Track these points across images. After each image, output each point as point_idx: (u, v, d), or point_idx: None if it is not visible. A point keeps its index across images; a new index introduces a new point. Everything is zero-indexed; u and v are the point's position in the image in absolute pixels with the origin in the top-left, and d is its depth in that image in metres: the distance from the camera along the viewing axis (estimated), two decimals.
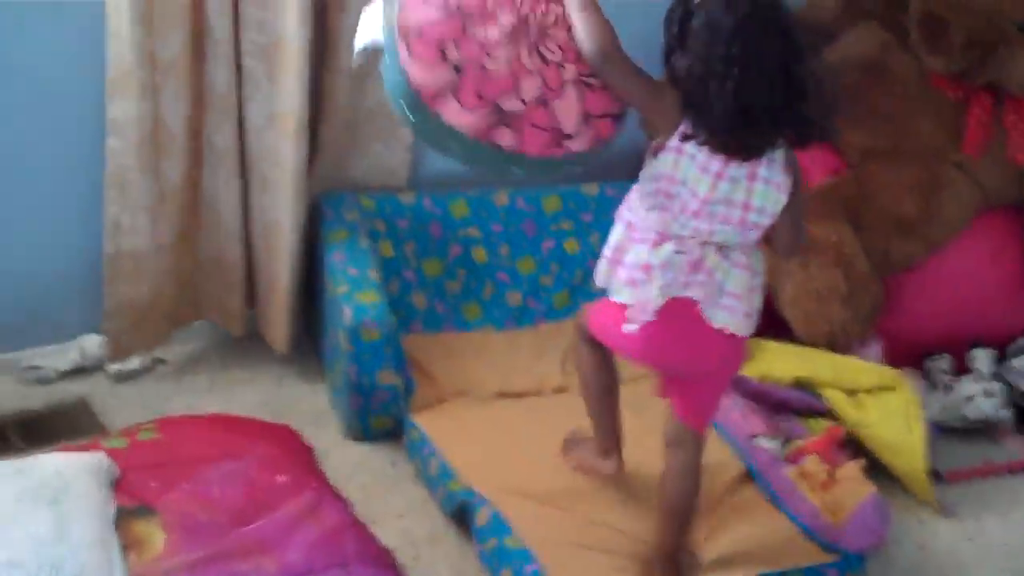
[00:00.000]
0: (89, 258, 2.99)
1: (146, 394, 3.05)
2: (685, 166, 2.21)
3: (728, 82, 2.12)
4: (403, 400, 2.92)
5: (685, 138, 2.20)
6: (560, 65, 2.18)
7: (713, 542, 2.63)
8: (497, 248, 3.33)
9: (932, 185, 3.26)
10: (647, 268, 2.28)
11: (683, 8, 2.19)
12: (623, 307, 2.33)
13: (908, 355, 3.30)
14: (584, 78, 2.19)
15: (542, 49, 2.18)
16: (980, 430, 3.27)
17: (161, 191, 2.94)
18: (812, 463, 2.83)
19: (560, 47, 2.20)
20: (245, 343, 3.22)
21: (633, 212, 2.32)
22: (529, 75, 2.15)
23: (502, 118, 2.12)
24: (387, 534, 2.56)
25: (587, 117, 2.19)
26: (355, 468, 2.86)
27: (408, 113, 2.15)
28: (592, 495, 2.69)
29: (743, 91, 2.13)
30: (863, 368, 3.11)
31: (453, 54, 2.11)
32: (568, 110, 2.16)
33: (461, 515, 2.69)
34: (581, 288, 3.37)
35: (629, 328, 2.31)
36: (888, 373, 3.09)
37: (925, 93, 3.31)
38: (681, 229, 2.26)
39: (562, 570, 2.44)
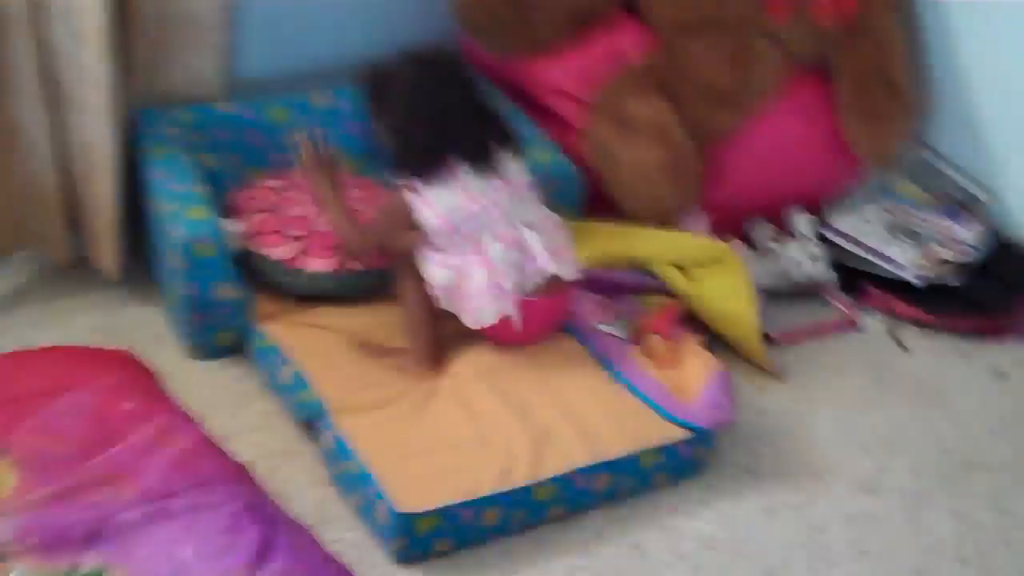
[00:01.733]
0: None
1: None
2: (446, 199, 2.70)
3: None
4: (245, 312, 2.89)
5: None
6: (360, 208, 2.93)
7: (572, 423, 2.68)
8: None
9: (742, 53, 3.33)
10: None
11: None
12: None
13: (732, 224, 3.38)
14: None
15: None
16: (806, 292, 3.38)
17: None
18: (654, 342, 2.89)
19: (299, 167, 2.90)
20: (72, 271, 3.13)
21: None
22: None
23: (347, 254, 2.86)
24: (242, 449, 2.54)
25: None
26: (201, 387, 2.82)
27: (286, 277, 2.90)
28: (428, 401, 2.71)
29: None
30: (692, 242, 3.18)
31: (290, 232, 2.92)
32: None
33: (310, 427, 2.70)
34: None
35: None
36: (716, 244, 3.16)
37: None
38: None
39: (404, 486, 2.45)
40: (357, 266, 2.92)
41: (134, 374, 2.59)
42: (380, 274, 2.95)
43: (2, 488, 2.20)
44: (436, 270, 2.73)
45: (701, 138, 3.26)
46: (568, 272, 2.81)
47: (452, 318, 2.78)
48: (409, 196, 2.71)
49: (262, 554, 2.15)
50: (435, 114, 2.69)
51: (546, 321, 2.86)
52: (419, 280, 2.77)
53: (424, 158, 2.70)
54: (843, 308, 3.36)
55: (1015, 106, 3.48)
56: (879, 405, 3.08)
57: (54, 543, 2.10)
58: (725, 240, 3.22)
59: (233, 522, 2.20)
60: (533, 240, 2.76)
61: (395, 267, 2.85)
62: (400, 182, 2.74)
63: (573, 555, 2.56)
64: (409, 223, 2.71)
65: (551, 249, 2.78)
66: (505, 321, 2.74)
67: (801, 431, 2.96)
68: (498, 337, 2.81)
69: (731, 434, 2.88)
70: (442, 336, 2.84)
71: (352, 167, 3.29)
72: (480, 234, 2.71)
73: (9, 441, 2.29)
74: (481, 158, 2.72)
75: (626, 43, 3.37)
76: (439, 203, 2.69)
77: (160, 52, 3.08)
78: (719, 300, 3.06)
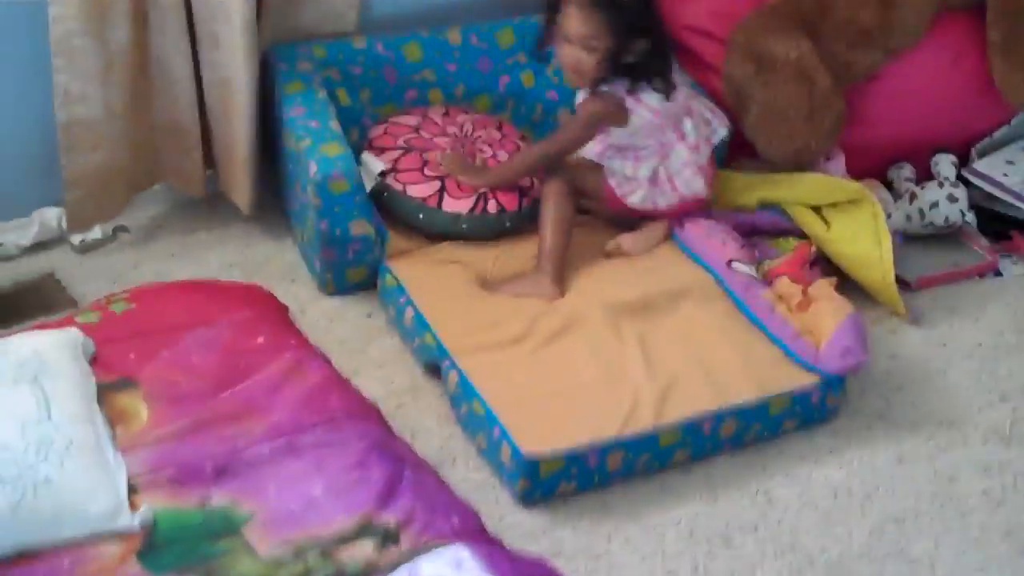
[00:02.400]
0: (42, 129, 2.93)
1: (112, 263, 3.02)
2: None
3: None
4: (377, 249, 2.91)
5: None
6: (494, 155, 3.06)
7: (701, 366, 2.66)
8: (452, 89, 3.28)
9: None
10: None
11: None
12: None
13: (872, 166, 3.31)
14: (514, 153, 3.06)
15: (480, 147, 3.08)
16: (946, 236, 3.29)
17: (109, 56, 2.86)
18: (785, 284, 2.85)
19: (488, 143, 3.10)
20: (207, 204, 3.19)
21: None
22: (487, 162, 3.03)
23: (483, 196, 2.96)
24: (369, 386, 2.57)
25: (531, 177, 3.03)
26: (331, 322, 2.87)
27: (422, 216, 2.95)
28: (553, 341, 2.70)
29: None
30: (827, 183, 3.12)
31: (429, 172, 2.97)
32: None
33: (436, 368, 2.71)
34: (540, 124, 3.33)
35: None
36: (851, 186, 3.09)
37: None
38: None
39: (528, 428, 2.47)
40: (494, 207, 2.94)
41: (266, 309, 2.62)
42: (516, 215, 2.98)
43: (135, 421, 2.25)
44: (638, 165, 2.96)
45: (843, 78, 3.18)
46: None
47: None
48: (618, 100, 2.90)
49: (389, 491, 2.17)
50: (656, 23, 2.95)
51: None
52: (569, 195, 2.94)
53: (645, 63, 2.90)
54: (983, 252, 3.27)
55: None
56: (1018, 352, 3.00)
57: (185, 477, 2.14)
58: (864, 182, 3.16)
59: (361, 459, 2.23)
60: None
61: (551, 180, 2.97)
62: (605, 88, 2.91)
63: (698, 501, 2.55)
64: (612, 124, 2.93)
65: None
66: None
67: (935, 378, 2.90)
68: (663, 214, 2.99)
69: (862, 380, 2.83)
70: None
71: (485, 105, 3.30)
72: (678, 121, 2.98)
73: (142, 374, 2.34)
74: (668, 72, 2.96)
75: None
76: (651, 101, 2.90)
77: None
78: (852, 242, 3.01)
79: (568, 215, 2.94)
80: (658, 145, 2.97)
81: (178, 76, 2.98)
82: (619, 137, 2.97)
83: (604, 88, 2.92)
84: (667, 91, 2.93)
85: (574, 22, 2.87)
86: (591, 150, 3.03)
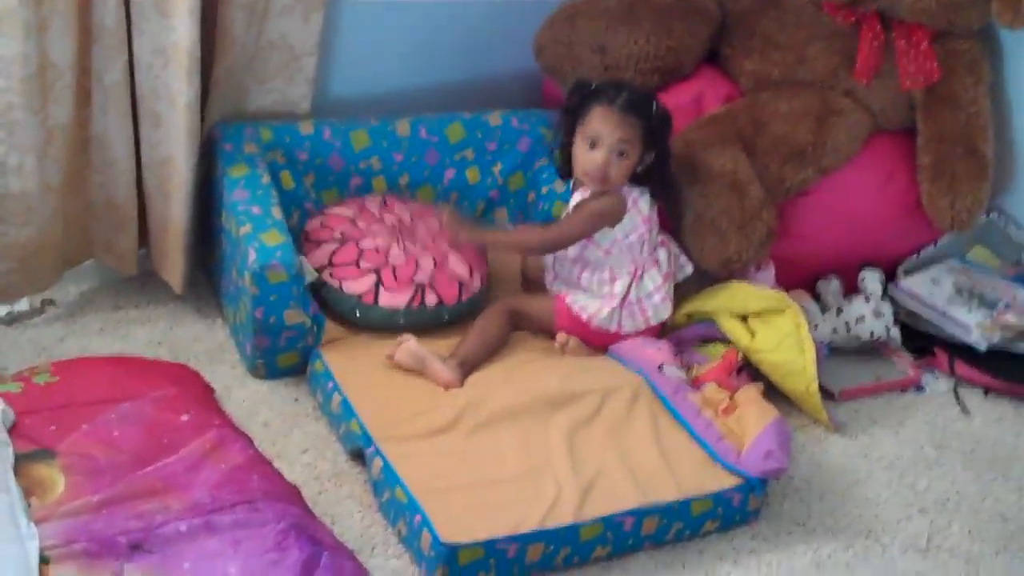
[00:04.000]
0: None
1: (38, 337, 2.99)
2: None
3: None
4: (311, 336, 2.91)
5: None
6: (433, 243, 3.07)
7: (626, 463, 2.67)
8: (397, 178, 3.31)
9: (824, 112, 3.30)
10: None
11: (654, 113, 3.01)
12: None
13: (800, 277, 3.35)
14: (452, 248, 3.06)
15: (416, 239, 3.08)
16: (871, 350, 3.34)
17: (49, 132, 2.85)
18: (712, 389, 2.88)
19: (426, 234, 3.10)
20: (138, 282, 3.17)
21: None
22: (421, 255, 3.03)
23: (421, 288, 2.94)
24: (292, 470, 2.56)
25: (472, 267, 3.07)
26: (258, 404, 2.85)
27: (358, 313, 2.95)
28: (480, 432, 2.70)
29: None
30: (753, 292, 3.15)
31: (365, 265, 2.96)
32: (458, 267, 3.05)
33: (360, 455, 2.70)
34: (481, 220, 3.37)
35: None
36: (777, 296, 3.13)
37: (816, 20, 3.36)
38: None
39: (449, 517, 2.46)
40: (433, 300, 2.96)
41: (191, 388, 2.62)
42: (454, 309, 3.00)
43: (51, 492, 2.22)
44: (615, 282, 3.03)
45: (776, 192, 3.24)
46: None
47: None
48: (623, 201, 3.01)
49: (306, 574, 2.15)
50: (668, 137, 3.08)
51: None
52: (507, 316, 3.01)
53: (658, 171, 3.04)
54: (906, 366, 3.32)
55: None
56: (938, 466, 3.03)
57: (99, 550, 2.11)
58: (792, 294, 3.20)
59: (279, 540, 2.21)
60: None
61: (494, 303, 3.04)
62: (622, 190, 3.02)
63: None
64: (610, 224, 3.01)
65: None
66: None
67: (856, 487, 2.92)
68: (596, 341, 3.03)
69: (784, 485, 2.85)
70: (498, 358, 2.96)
71: (428, 197, 3.33)
72: (655, 245, 3.09)
73: (61, 446, 2.32)
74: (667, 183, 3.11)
75: (706, 92, 3.37)
76: (646, 211, 3.03)
77: (249, 74, 3.13)
78: (776, 352, 3.04)
79: (498, 331, 2.98)
80: (633, 265, 3.03)
81: (118, 154, 2.98)
82: (601, 243, 3.02)
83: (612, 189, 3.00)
84: (660, 201, 3.08)
85: (611, 126, 2.95)
86: (555, 274, 3.10)
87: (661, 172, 3.06)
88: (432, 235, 3.11)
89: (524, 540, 2.46)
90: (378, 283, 2.95)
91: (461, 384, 2.82)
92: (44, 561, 2.06)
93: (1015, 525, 2.88)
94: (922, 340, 3.39)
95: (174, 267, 3.07)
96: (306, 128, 3.21)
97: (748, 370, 3.03)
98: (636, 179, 3.03)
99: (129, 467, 2.32)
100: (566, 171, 3.10)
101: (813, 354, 3.03)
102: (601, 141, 2.95)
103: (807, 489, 2.88)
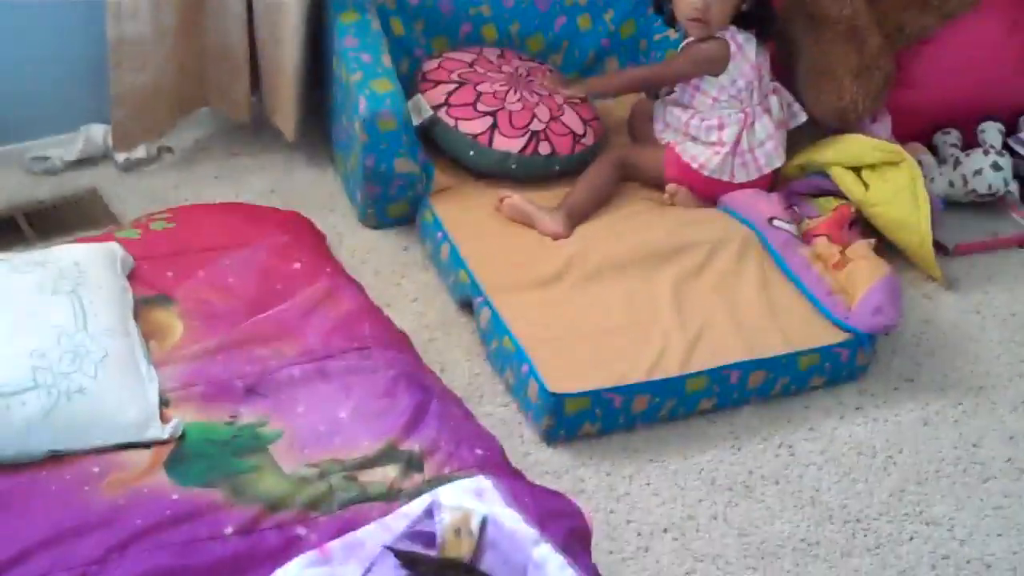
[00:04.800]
0: (92, 46, 2.95)
1: (154, 183, 3.05)
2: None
3: None
4: (420, 185, 2.92)
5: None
6: (551, 95, 3.04)
7: (733, 317, 2.67)
8: (507, 26, 3.27)
9: None
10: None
11: None
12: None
13: (918, 130, 3.29)
14: (568, 102, 3.05)
15: (534, 89, 3.05)
16: (988, 204, 3.27)
17: None
18: (823, 244, 2.85)
19: (543, 86, 3.07)
20: (251, 129, 3.21)
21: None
22: (537, 105, 2.99)
23: (535, 135, 2.92)
24: (402, 318, 2.59)
25: (586, 122, 3.03)
26: (368, 253, 2.89)
27: (472, 152, 2.92)
28: (588, 283, 2.71)
29: None
30: (868, 144, 3.10)
31: (482, 107, 2.95)
32: (573, 120, 3.02)
33: (468, 304, 2.73)
34: (591, 69, 3.33)
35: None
36: (892, 148, 3.08)
37: None
38: None
39: (556, 367, 2.48)
40: (546, 149, 2.94)
41: (303, 235, 2.64)
42: (566, 160, 2.98)
43: (169, 337, 2.27)
44: (723, 130, 2.97)
45: (895, 39, 3.16)
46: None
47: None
48: (726, 46, 2.96)
49: (415, 420, 2.18)
50: None
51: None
52: (617, 167, 2.98)
53: (760, 15, 3.00)
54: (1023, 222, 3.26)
55: None
56: None
57: (216, 393, 2.17)
58: (909, 146, 3.14)
59: (389, 387, 2.24)
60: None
61: (606, 152, 3.04)
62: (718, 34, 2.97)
63: (721, 448, 2.57)
64: (715, 70, 2.97)
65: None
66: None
67: (966, 344, 2.89)
68: (707, 190, 3.00)
69: (893, 341, 2.83)
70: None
71: (539, 45, 3.30)
72: (766, 92, 3.03)
73: (179, 292, 2.36)
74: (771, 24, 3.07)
75: None
76: (752, 56, 2.98)
77: None
78: (891, 205, 2.99)
79: (607, 182, 2.96)
80: (742, 113, 2.97)
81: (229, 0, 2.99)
82: (709, 90, 2.97)
83: (717, 34, 2.96)
84: (769, 45, 3.03)
85: None
86: (665, 123, 3.06)
87: (766, 13, 3.00)
88: (550, 86, 3.08)
89: (630, 391, 2.49)
90: (494, 125, 2.94)
91: (569, 235, 2.82)
92: (164, 403, 2.12)
93: None
94: None
95: (286, 114, 3.09)
96: None
97: (860, 224, 2.99)
98: (742, 23, 2.97)
99: (244, 313, 2.36)
100: (672, 19, 3.05)
101: (928, 208, 2.98)
102: None
103: (917, 345, 2.86)
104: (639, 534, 2.38)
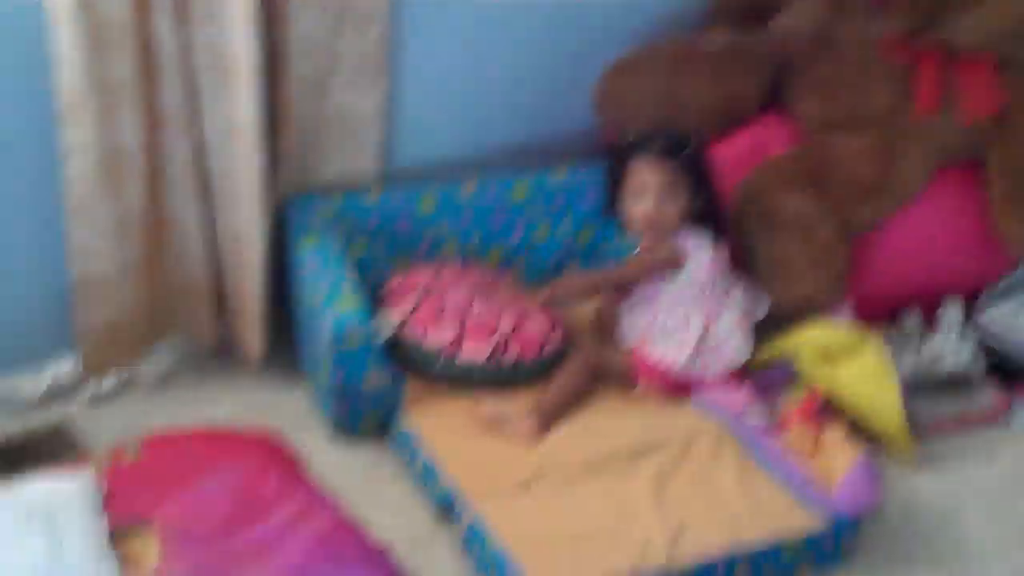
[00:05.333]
0: (56, 283, 2.97)
1: (124, 414, 3.03)
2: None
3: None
4: (392, 397, 2.92)
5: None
6: (512, 301, 3.06)
7: (714, 509, 2.65)
8: (467, 239, 3.33)
9: (889, 149, 3.29)
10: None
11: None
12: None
13: (879, 314, 3.33)
14: (531, 309, 3.08)
15: (497, 298, 3.07)
16: (954, 384, 3.30)
17: (123, 214, 2.91)
18: (797, 431, 2.85)
19: (505, 293, 3.11)
20: (219, 354, 3.21)
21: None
22: (501, 313, 3.01)
23: (501, 343, 2.95)
24: (382, 532, 2.54)
25: (550, 327, 3.06)
26: (343, 468, 2.86)
27: (439, 363, 2.94)
28: (566, 483, 2.70)
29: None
30: (832, 332, 3.13)
31: (446, 319, 2.97)
32: (537, 326, 3.04)
33: (448, 515, 2.70)
34: (552, 275, 3.37)
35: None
36: (856, 334, 3.11)
37: (873, 58, 3.34)
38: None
39: (540, 569, 2.46)
40: (511, 356, 2.96)
41: (276, 455, 2.63)
42: (534, 364, 3.00)
43: (147, 561, 2.24)
44: (687, 324, 3.01)
45: (847, 231, 3.23)
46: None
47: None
48: (682, 247, 3.02)
49: None
50: (711, 176, 3.09)
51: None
52: (590, 370, 2.99)
53: (710, 214, 3.05)
54: (992, 399, 3.27)
55: None
56: None
57: None
58: (870, 330, 3.18)
59: None
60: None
61: (577, 353, 3.03)
62: (678, 235, 3.03)
63: None
64: (670, 271, 3.02)
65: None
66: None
67: (950, 520, 2.88)
68: (677, 388, 3.00)
69: (876, 525, 2.81)
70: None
71: (498, 258, 3.35)
72: (724, 288, 3.06)
73: (156, 515, 2.34)
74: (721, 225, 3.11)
75: (771, 137, 3.37)
76: (706, 255, 3.01)
77: (313, 147, 3.17)
78: (860, 391, 3.01)
79: (579, 384, 2.97)
80: (703, 311, 3.02)
81: (191, 233, 3.03)
82: (670, 288, 3.03)
83: (671, 236, 3.03)
84: (719, 244, 3.07)
85: (651, 174, 2.98)
86: (630, 325, 3.10)
87: (714, 212, 3.07)
88: (511, 294, 3.12)
89: None
90: (460, 336, 2.96)
91: (544, 438, 2.82)
92: None
93: None
94: (1007, 371, 3.34)
95: (253, 338, 3.10)
96: (373, 196, 3.24)
97: (832, 410, 3.00)
98: (692, 223, 3.04)
99: (220, 536, 2.33)
100: (625, 226, 3.12)
101: (897, 391, 3.00)
102: (646, 190, 2.98)
103: (899, 527, 2.84)
104: None
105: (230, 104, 2.89)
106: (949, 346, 3.27)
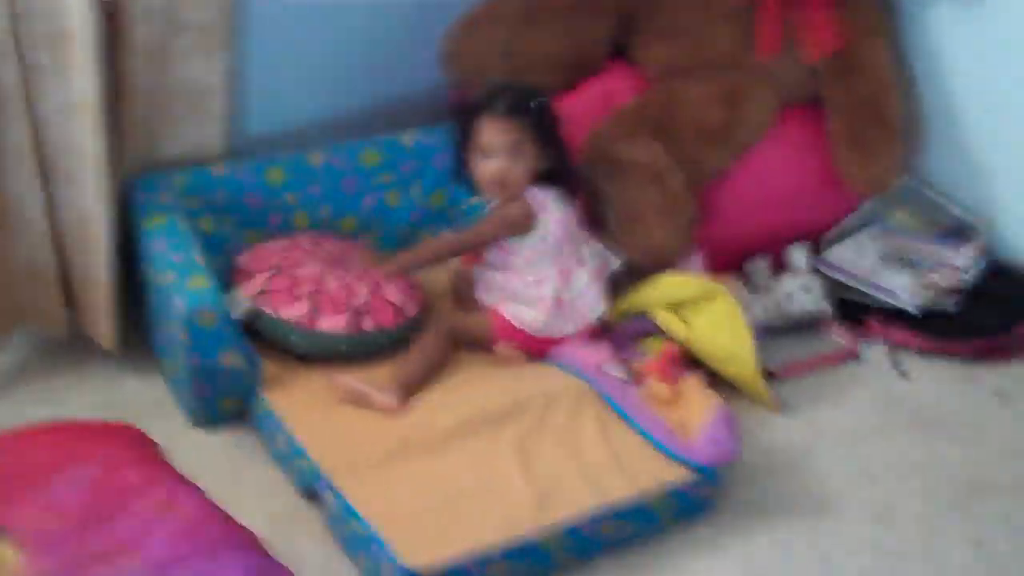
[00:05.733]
0: None
1: None
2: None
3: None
4: (249, 377, 2.89)
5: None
6: (366, 272, 3.03)
7: (578, 468, 2.68)
8: (317, 211, 3.29)
9: (733, 93, 3.34)
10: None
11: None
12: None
13: (729, 261, 3.38)
14: (386, 277, 3.05)
15: (351, 268, 3.04)
16: (805, 326, 3.37)
17: None
18: (655, 383, 2.89)
19: (358, 264, 3.07)
20: (69, 345, 3.14)
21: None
22: (356, 283, 2.98)
23: (358, 313, 2.91)
24: (247, 516, 2.52)
25: (407, 294, 3.04)
26: (204, 454, 2.83)
27: (295, 338, 2.92)
28: (430, 453, 2.70)
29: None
30: (683, 282, 3.17)
31: (300, 292, 2.93)
32: (393, 294, 3.01)
33: (313, 493, 2.69)
34: (407, 241, 3.36)
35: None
36: (707, 283, 3.15)
37: (714, 2, 3.38)
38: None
39: (409, 543, 2.45)
40: (370, 324, 2.94)
41: (135, 445, 2.58)
42: (390, 333, 2.98)
43: (7, 567, 2.19)
44: (541, 286, 3.02)
45: (695, 178, 3.27)
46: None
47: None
48: (531, 205, 3.01)
49: None
50: (560, 133, 3.07)
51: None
52: (446, 339, 2.98)
53: (560, 171, 3.05)
54: (842, 340, 3.35)
55: (1006, 131, 3.49)
56: (884, 434, 3.06)
57: None
58: (721, 278, 3.23)
59: None
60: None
61: (435, 323, 3.03)
62: (527, 192, 3.03)
63: None
64: (522, 231, 3.02)
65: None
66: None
67: (807, 464, 2.95)
68: (537, 348, 3.02)
69: (737, 471, 2.87)
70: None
71: (351, 227, 3.32)
72: (578, 245, 3.06)
73: (11, 519, 2.28)
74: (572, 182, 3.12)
75: (619, 87, 3.39)
76: (558, 212, 3.00)
77: (158, 121, 3.10)
78: (713, 340, 3.06)
79: (438, 351, 2.97)
80: (558, 269, 3.03)
81: (32, 216, 2.95)
82: (520, 249, 3.03)
83: (520, 195, 3.02)
84: (571, 201, 3.07)
85: (498, 133, 2.96)
86: (486, 286, 3.10)
87: (564, 169, 3.07)
88: (366, 263, 3.10)
89: (486, 558, 2.46)
90: (315, 308, 2.93)
91: (405, 408, 2.81)
92: None
93: (967, 483, 2.92)
94: (855, 310, 3.43)
95: (103, 325, 3.03)
96: (219, 170, 3.18)
97: (688, 360, 3.05)
98: (542, 180, 3.04)
99: (83, 532, 2.28)
100: (475, 184, 3.11)
101: (750, 338, 3.05)
102: (492, 149, 2.98)
103: (760, 472, 2.90)
104: None
105: (66, 81, 2.81)
106: (797, 288, 3.33)
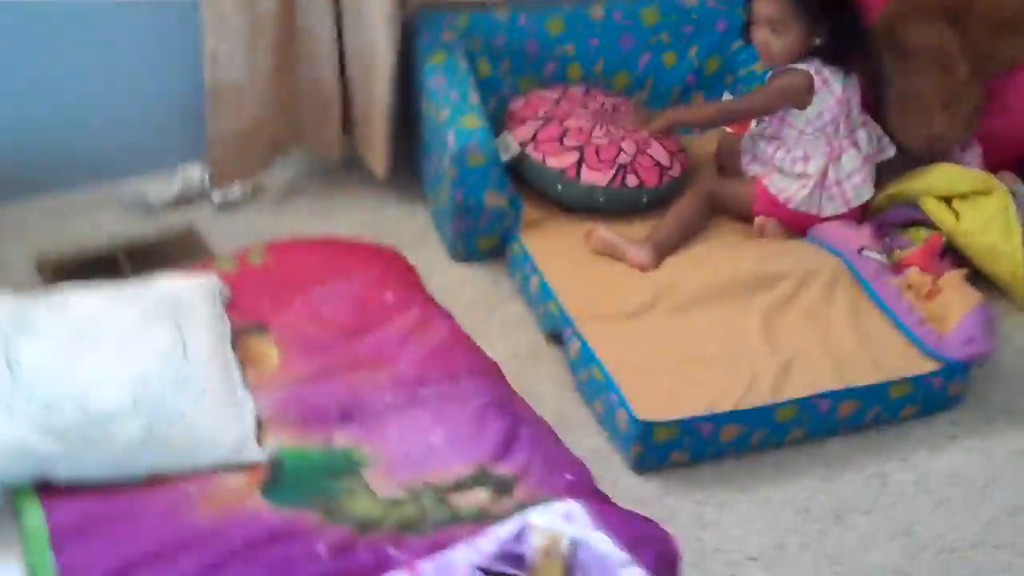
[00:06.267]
0: (190, 90, 3.03)
1: (249, 221, 3.12)
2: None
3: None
4: (509, 218, 2.96)
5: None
6: (635, 129, 3.06)
7: (824, 346, 2.67)
8: (592, 64, 3.31)
9: None
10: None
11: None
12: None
13: (1009, 157, 3.26)
14: (654, 135, 3.07)
15: (620, 123, 3.08)
16: None
17: (256, 22, 2.95)
18: (915, 274, 2.83)
19: (627, 121, 3.10)
20: (343, 169, 3.27)
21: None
22: (623, 139, 3.01)
23: (622, 168, 2.93)
24: (492, 348, 2.60)
25: (672, 154, 3.05)
26: (459, 286, 2.93)
27: (559, 187, 2.96)
28: (677, 313, 2.72)
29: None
30: (958, 174, 3.08)
31: (568, 142, 2.96)
32: (659, 153, 3.04)
33: (558, 336, 2.75)
34: (676, 104, 3.35)
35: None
36: (983, 177, 3.06)
37: None
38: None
39: (645, 396, 2.50)
40: (633, 181, 2.96)
41: (395, 268, 2.68)
42: (654, 192, 3.00)
43: (265, 364, 2.32)
44: (808, 162, 2.98)
45: (983, 68, 3.15)
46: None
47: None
48: (808, 78, 2.95)
49: (506, 445, 2.20)
50: (844, 7, 2.98)
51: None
52: (705, 201, 2.99)
53: (844, 45, 2.97)
54: None
55: None
56: None
57: (311, 418, 2.21)
58: (999, 174, 3.12)
59: (480, 414, 2.27)
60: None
61: (694, 186, 3.02)
62: (798, 66, 2.96)
63: (812, 478, 2.56)
64: (799, 103, 2.96)
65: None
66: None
67: None
68: (797, 223, 2.99)
69: (987, 371, 2.80)
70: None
71: (624, 83, 3.33)
72: (854, 126, 3.00)
73: (275, 321, 2.41)
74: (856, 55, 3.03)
75: None
76: (839, 90, 2.95)
77: None
78: (982, 235, 2.97)
79: (696, 215, 2.98)
80: (828, 146, 2.98)
81: (322, 42, 3.06)
82: (795, 122, 2.98)
83: (796, 66, 2.95)
84: (854, 78, 3.00)
85: (764, 4, 2.93)
86: (752, 156, 3.07)
87: (843, 47, 2.98)
88: (635, 120, 3.11)
89: (719, 420, 2.49)
90: (581, 160, 2.97)
91: (657, 267, 2.84)
92: (260, 428, 2.17)
93: None
94: None
95: (377, 153, 3.14)
96: (502, 15, 3.22)
97: (952, 254, 2.97)
98: (827, 58, 2.96)
99: (338, 341, 2.40)
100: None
101: (1020, 237, 2.95)
102: (759, 19, 2.94)
103: (1011, 375, 2.83)
104: (728, 563, 2.37)
105: None
106: None
